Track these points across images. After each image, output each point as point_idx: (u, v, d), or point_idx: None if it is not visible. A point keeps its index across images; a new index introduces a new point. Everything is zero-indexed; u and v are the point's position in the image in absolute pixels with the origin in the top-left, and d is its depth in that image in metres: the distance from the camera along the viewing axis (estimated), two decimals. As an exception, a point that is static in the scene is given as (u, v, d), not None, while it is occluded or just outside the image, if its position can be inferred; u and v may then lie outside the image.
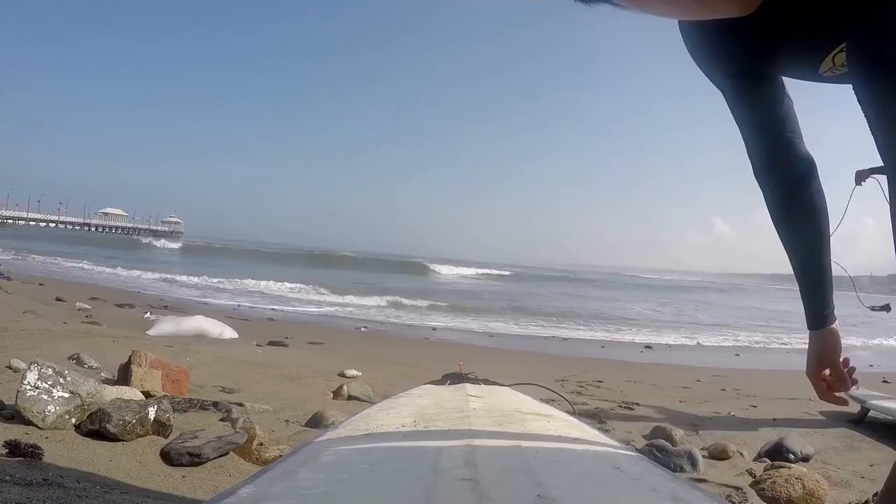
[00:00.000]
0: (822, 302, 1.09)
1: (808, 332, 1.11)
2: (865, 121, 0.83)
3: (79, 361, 3.07)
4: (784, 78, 1.01)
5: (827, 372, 1.08)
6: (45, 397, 1.74)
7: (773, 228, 1.12)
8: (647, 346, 9.09)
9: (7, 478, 1.28)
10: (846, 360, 1.08)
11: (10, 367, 2.61)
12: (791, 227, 1.08)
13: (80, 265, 16.87)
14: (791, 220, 1.07)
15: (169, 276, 15.24)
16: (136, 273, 15.64)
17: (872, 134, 0.84)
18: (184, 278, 15.18)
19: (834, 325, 1.09)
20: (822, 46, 0.87)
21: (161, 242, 41.28)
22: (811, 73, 0.94)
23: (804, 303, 1.14)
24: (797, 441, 2.64)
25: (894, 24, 0.76)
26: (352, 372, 4.00)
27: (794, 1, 0.84)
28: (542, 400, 2.01)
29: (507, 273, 33.62)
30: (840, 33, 0.83)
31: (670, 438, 2.65)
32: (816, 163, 1.04)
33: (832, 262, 1.09)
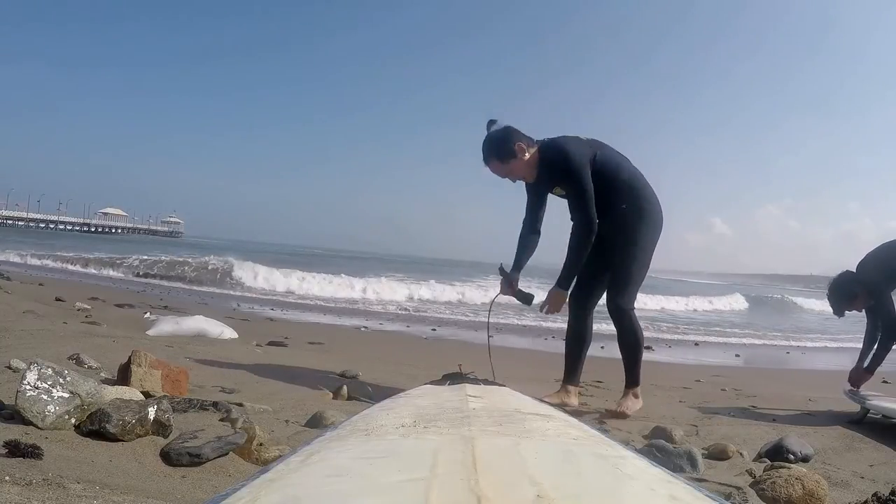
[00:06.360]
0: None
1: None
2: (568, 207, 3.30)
3: (79, 361, 3.07)
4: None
5: None
6: (45, 397, 1.74)
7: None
8: (647, 347, 9.08)
9: (7, 478, 1.28)
10: None
11: (9, 367, 2.61)
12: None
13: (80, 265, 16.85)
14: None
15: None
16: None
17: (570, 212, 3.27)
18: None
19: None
20: (549, 186, 3.37)
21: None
22: (549, 193, 3.43)
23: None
24: (797, 441, 2.64)
25: (568, 183, 3.24)
26: (352, 372, 4.00)
27: (539, 175, 3.30)
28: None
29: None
30: (553, 182, 3.33)
31: (670, 438, 2.65)
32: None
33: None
